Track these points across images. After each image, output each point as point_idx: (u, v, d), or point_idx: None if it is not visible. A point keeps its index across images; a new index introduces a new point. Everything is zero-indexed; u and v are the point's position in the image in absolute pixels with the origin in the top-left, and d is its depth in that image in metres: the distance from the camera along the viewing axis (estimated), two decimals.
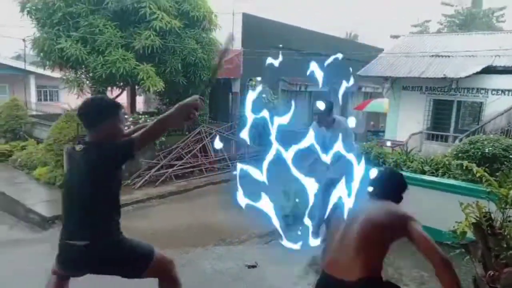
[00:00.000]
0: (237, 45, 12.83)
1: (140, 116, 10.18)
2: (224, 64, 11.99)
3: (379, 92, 18.24)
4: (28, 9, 9.41)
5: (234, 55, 12.67)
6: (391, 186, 2.39)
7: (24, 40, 15.38)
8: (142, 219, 7.60)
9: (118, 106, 2.21)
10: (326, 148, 3.66)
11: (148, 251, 2.22)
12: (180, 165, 10.36)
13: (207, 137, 11.41)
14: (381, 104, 14.87)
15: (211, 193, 9.42)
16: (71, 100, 16.03)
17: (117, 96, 11.60)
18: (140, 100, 16.01)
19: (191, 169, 10.63)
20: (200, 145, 11.18)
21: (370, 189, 2.41)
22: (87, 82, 10.11)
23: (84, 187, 2.00)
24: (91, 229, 2.03)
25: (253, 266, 3.61)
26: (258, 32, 13.01)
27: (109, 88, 10.73)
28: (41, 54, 9.47)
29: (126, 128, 2.31)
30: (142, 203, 8.41)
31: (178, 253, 3.99)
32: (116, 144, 2.08)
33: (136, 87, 10.80)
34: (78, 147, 2.06)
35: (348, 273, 2.01)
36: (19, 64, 20.20)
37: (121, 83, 10.28)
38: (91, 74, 9.58)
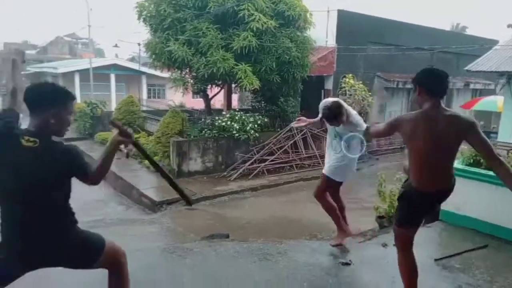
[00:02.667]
0: (331, 42, 12.67)
1: (236, 113, 10.76)
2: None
3: (490, 89, 16.29)
4: (144, 16, 10.63)
5: (328, 52, 12.55)
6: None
7: (139, 44, 17.47)
8: (236, 209, 8.10)
9: (67, 94, 1.99)
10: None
11: (99, 241, 2.11)
12: (272, 161, 10.69)
13: (298, 134, 11.54)
14: (494, 102, 13.22)
15: (301, 189, 9.52)
16: (175, 97, 17.70)
17: (215, 94, 12.44)
18: (235, 98, 16.87)
19: (282, 165, 10.88)
20: (291, 141, 11.37)
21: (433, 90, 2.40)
22: (191, 81, 11.01)
23: (43, 183, 1.85)
24: (50, 226, 1.92)
25: (347, 264, 3.59)
26: (353, 28, 12.65)
27: (209, 86, 11.53)
28: (153, 56, 10.62)
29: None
30: (236, 194, 8.94)
31: (271, 243, 4.17)
32: (74, 156, 1.93)
33: (233, 85, 11.41)
34: (27, 141, 1.81)
35: None
36: (134, 66, 22.86)
37: (220, 82, 10.97)
38: (194, 74, 10.43)
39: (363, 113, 12.60)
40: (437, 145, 2.36)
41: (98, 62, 21.39)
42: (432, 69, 2.48)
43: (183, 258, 3.54)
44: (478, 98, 15.37)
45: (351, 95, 12.54)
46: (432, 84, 2.39)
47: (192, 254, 3.64)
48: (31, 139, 1.81)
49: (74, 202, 2.07)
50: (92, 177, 1.98)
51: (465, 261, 3.81)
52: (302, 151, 11.45)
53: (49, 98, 1.92)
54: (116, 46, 23.78)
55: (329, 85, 12.95)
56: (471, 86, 16.43)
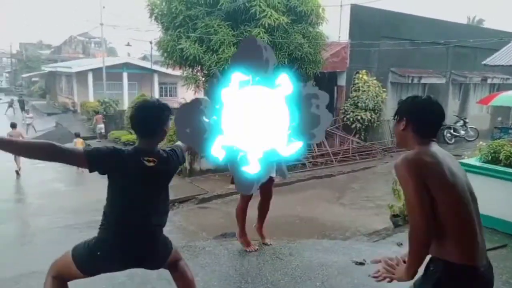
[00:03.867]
0: (344, 37, 12.50)
1: None
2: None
3: (508, 83, 15.86)
4: (155, 14, 10.64)
5: (341, 48, 12.38)
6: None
7: (151, 42, 17.57)
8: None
9: (168, 108, 2.13)
10: None
11: (169, 241, 2.24)
12: None
13: None
14: None
15: (314, 187, 9.44)
16: (187, 95, 17.73)
17: None
18: None
19: (295, 163, 10.78)
20: None
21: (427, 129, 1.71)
22: (202, 79, 10.99)
23: (160, 193, 2.09)
24: (161, 226, 2.12)
25: (361, 263, 3.52)
26: (367, 22, 12.45)
27: None
28: (165, 54, 10.62)
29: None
30: None
31: (284, 243, 4.12)
32: (178, 154, 2.21)
33: None
34: (148, 161, 1.98)
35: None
36: (146, 64, 22.94)
37: None
38: (205, 72, 10.40)
39: (376, 110, 12.42)
40: (466, 192, 1.65)
41: (110, 61, 21.62)
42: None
43: (195, 257, 3.52)
44: (496, 93, 14.98)
45: (364, 91, 12.36)
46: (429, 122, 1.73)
47: (204, 253, 3.62)
48: (150, 159, 2.00)
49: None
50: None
51: None
52: (315, 149, 11.34)
53: (162, 120, 2.04)
54: (128, 45, 24.02)
55: (342, 81, 12.78)
56: (489, 81, 16.00)
